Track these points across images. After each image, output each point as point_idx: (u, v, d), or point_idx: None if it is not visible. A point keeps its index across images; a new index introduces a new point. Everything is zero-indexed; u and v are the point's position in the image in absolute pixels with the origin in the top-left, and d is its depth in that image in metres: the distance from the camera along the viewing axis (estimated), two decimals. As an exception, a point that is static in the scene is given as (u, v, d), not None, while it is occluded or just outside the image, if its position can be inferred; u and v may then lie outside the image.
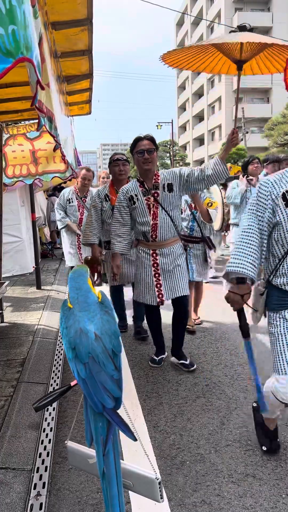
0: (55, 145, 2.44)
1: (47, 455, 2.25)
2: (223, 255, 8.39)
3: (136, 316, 4.33)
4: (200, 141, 49.53)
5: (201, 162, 47.62)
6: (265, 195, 2.04)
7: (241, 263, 2.02)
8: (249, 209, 2.13)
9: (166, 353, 3.57)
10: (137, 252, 3.40)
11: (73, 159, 4.39)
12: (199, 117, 49.66)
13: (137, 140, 3.22)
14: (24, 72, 2.94)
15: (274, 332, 2.05)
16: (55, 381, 3.18)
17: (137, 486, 1.26)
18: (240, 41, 2.78)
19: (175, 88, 58.74)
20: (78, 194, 5.14)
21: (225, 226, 6.61)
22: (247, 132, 33.57)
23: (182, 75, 54.69)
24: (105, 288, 4.34)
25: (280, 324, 2.03)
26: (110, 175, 4.23)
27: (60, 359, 3.57)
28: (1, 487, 1.96)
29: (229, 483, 2.06)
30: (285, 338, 2.00)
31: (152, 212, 3.19)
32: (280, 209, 1.98)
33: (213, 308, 4.83)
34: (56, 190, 10.31)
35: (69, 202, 5.15)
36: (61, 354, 3.67)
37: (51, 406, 2.70)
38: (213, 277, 6.24)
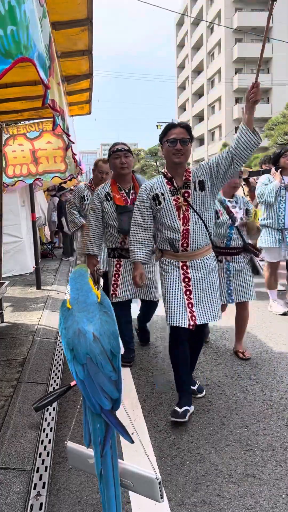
0: (67, 144, 2.45)
1: (47, 455, 2.25)
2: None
3: (143, 315, 3.91)
4: (200, 141, 49.52)
5: (201, 162, 47.53)
6: None
7: None
8: None
9: (192, 405, 2.74)
10: (162, 266, 2.78)
11: (78, 159, 4.40)
12: (199, 117, 49.66)
13: (170, 127, 2.64)
14: (24, 72, 2.96)
15: None
16: (55, 381, 3.18)
17: (137, 486, 1.26)
18: None
19: (175, 88, 58.76)
20: (94, 190, 4.73)
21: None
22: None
23: (182, 75, 54.70)
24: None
25: None
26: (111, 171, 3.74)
27: (60, 359, 3.57)
28: (1, 487, 1.96)
29: (229, 483, 2.06)
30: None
31: (182, 215, 2.63)
32: None
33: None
34: (60, 190, 10.30)
35: (84, 200, 4.50)
36: (61, 354, 3.67)
37: (51, 406, 2.70)
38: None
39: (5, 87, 3.34)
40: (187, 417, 2.59)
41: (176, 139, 2.59)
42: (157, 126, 37.60)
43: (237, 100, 40.87)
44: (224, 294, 3.45)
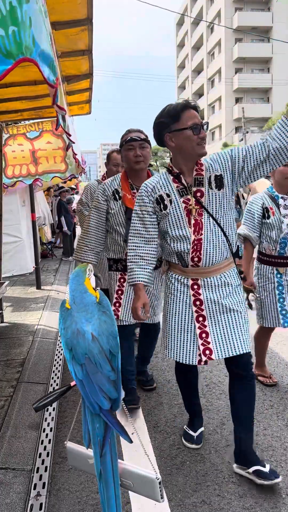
0: (68, 144, 2.44)
1: (47, 455, 2.25)
2: None
3: (142, 356, 3.20)
4: (200, 141, 49.47)
5: (201, 162, 47.49)
6: None
7: None
8: None
9: (203, 426, 2.53)
10: (167, 283, 2.25)
11: (80, 158, 4.40)
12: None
13: (182, 108, 2.04)
14: (24, 72, 2.96)
15: None
16: (55, 381, 3.18)
17: (137, 486, 1.26)
18: None
19: (175, 88, 58.77)
20: None
21: None
22: (247, 132, 33.57)
23: (182, 75, 54.71)
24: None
25: None
26: (122, 165, 3.26)
27: (60, 359, 3.57)
28: (1, 487, 1.96)
29: (229, 483, 2.06)
30: None
31: (193, 221, 2.05)
32: None
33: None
34: (64, 191, 10.30)
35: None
36: (61, 354, 3.67)
37: (51, 406, 2.70)
38: None
39: (5, 87, 3.34)
40: (202, 440, 2.42)
41: (200, 124, 2.00)
42: (157, 126, 37.53)
43: (237, 100, 40.91)
44: (274, 316, 2.86)
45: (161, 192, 2.11)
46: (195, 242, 2.06)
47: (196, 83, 48.40)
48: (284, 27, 37.31)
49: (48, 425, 2.55)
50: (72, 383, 1.36)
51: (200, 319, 2.11)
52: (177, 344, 2.16)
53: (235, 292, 2.13)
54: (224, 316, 2.10)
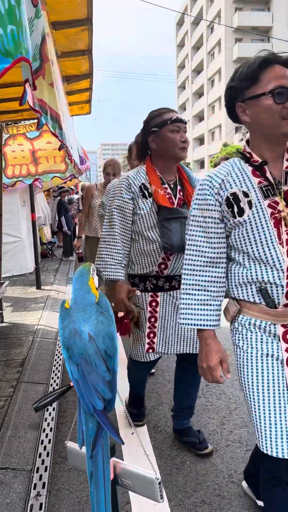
0: (60, 145, 2.44)
1: (47, 455, 2.25)
2: None
3: (185, 405, 2.43)
4: (200, 140, 49.54)
5: (201, 162, 47.64)
6: None
7: None
8: None
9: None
10: (237, 334, 1.53)
11: (77, 159, 4.42)
12: (199, 117, 49.67)
13: (267, 62, 1.37)
14: (24, 72, 2.94)
15: None
16: (55, 381, 3.18)
17: (137, 486, 1.26)
18: None
19: (175, 88, 58.80)
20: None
21: None
22: (247, 132, 33.54)
23: (182, 75, 54.73)
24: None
25: None
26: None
27: (60, 359, 3.57)
28: (1, 487, 1.96)
29: (229, 483, 2.06)
30: None
31: (286, 236, 1.37)
32: None
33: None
34: (64, 192, 10.29)
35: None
36: (61, 354, 3.67)
37: (51, 406, 2.70)
38: None
39: (5, 87, 3.34)
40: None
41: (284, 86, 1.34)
42: (157, 126, 37.52)
43: (237, 100, 40.78)
44: None
45: (235, 189, 1.40)
46: None
47: (196, 83, 48.40)
48: (284, 27, 37.30)
49: (48, 425, 2.55)
50: (72, 383, 1.36)
51: None
52: (272, 435, 1.36)
53: None
54: None
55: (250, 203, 1.39)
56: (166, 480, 2.08)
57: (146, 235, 2.16)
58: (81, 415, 1.22)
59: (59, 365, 3.46)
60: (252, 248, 1.40)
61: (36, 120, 5.31)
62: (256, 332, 1.44)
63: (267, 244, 1.37)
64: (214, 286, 1.48)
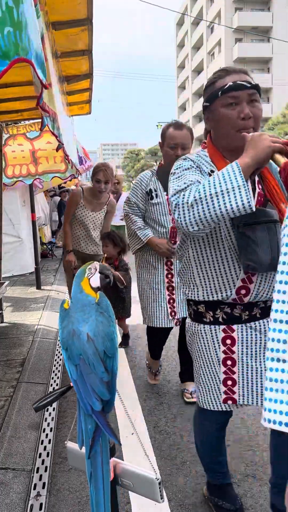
0: (58, 145, 2.44)
1: (47, 455, 2.25)
2: None
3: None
4: (200, 141, 49.49)
5: (201, 162, 47.46)
6: None
7: None
8: None
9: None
10: None
11: (76, 159, 4.40)
12: (199, 117, 49.64)
13: None
14: (24, 72, 2.96)
15: None
16: (55, 381, 3.18)
17: (137, 486, 1.26)
18: None
19: (175, 88, 58.78)
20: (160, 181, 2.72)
21: None
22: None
23: (182, 75, 54.72)
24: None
25: None
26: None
27: (60, 359, 3.57)
28: (1, 487, 1.96)
29: (229, 483, 2.05)
30: None
31: None
32: None
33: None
34: (65, 192, 10.28)
35: (152, 197, 2.71)
36: (61, 354, 3.67)
37: (51, 406, 2.70)
38: None
39: (5, 87, 3.35)
40: None
41: None
42: (157, 126, 37.66)
43: (237, 100, 40.81)
44: None
45: None
46: None
47: (196, 83, 48.39)
48: (284, 27, 37.31)
49: (48, 425, 2.55)
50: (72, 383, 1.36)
51: None
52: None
53: None
54: None
55: None
56: (166, 480, 2.08)
57: (222, 246, 1.57)
58: (81, 415, 1.22)
59: (59, 365, 3.46)
60: None
61: (36, 120, 5.30)
62: None
63: None
64: None
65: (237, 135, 1.50)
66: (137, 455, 2.21)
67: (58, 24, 2.61)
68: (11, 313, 4.96)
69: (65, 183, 8.70)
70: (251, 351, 1.65)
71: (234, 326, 1.63)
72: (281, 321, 0.76)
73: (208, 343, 1.68)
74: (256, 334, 1.64)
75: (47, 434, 2.45)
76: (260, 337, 1.64)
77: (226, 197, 1.33)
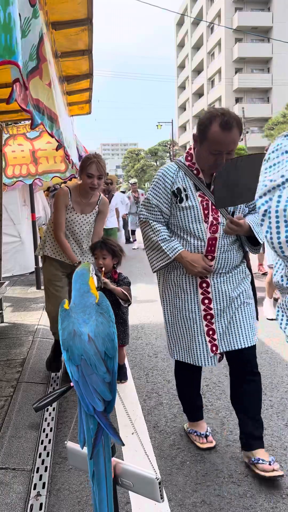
0: (57, 145, 2.43)
1: (47, 455, 2.25)
2: None
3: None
4: (200, 141, 49.46)
5: (201, 162, 47.47)
6: None
7: None
8: None
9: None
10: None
11: (76, 159, 4.38)
12: (199, 117, 49.58)
13: None
14: (24, 72, 2.94)
15: None
16: (55, 381, 3.18)
17: (137, 486, 1.26)
18: None
19: (175, 88, 58.79)
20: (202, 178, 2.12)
21: None
22: (247, 132, 33.58)
23: (182, 75, 54.72)
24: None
25: None
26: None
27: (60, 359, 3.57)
28: (1, 487, 1.96)
29: (229, 483, 2.06)
30: None
31: None
32: None
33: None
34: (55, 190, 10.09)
35: (181, 199, 2.10)
36: (60, 354, 3.67)
37: (51, 406, 2.70)
38: None
39: (4, 87, 3.34)
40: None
41: None
42: (157, 126, 37.69)
43: (237, 100, 40.92)
44: None
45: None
46: None
47: (196, 83, 48.40)
48: (284, 27, 37.33)
49: (48, 425, 2.55)
50: (72, 383, 1.36)
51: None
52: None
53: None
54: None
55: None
56: (166, 480, 2.08)
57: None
58: (82, 415, 1.22)
59: (59, 365, 3.46)
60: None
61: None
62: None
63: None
64: None
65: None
66: (137, 455, 2.22)
67: (58, 24, 2.61)
68: (11, 313, 4.97)
69: (65, 182, 8.69)
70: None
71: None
72: None
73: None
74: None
75: (47, 434, 2.45)
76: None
77: None
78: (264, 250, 5.11)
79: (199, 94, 49.20)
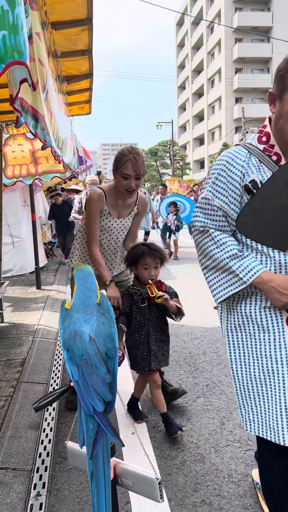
0: (42, 145, 2.40)
1: (47, 455, 2.25)
2: None
3: None
4: (200, 141, 49.54)
5: (201, 162, 47.62)
6: None
7: None
8: None
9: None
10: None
11: (72, 159, 4.37)
12: (199, 117, 49.68)
13: None
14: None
15: None
16: (55, 381, 3.18)
17: (137, 486, 1.26)
18: None
19: (175, 88, 58.80)
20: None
21: None
22: (247, 132, 33.59)
23: (182, 75, 54.72)
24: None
25: None
26: None
27: (60, 359, 3.57)
28: (1, 487, 1.96)
29: (229, 483, 2.06)
30: None
31: None
32: None
33: (213, 309, 4.83)
34: (52, 191, 9.83)
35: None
36: (61, 354, 3.67)
37: (51, 406, 2.70)
38: None
39: (5, 87, 3.34)
40: None
41: None
42: (157, 126, 37.67)
43: (237, 100, 40.94)
44: None
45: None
46: None
47: (196, 83, 48.40)
48: (284, 27, 37.34)
49: (48, 425, 2.55)
50: (72, 383, 1.36)
51: None
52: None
53: None
54: None
55: None
56: (166, 480, 2.08)
57: None
58: (82, 415, 1.22)
59: (59, 365, 3.46)
60: None
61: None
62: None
63: None
64: None
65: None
66: (137, 455, 2.22)
67: (58, 24, 2.61)
68: (11, 313, 4.96)
69: (64, 182, 8.69)
70: None
71: None
72: None
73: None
74: None
75: (47, 434, 2.45)
76: None
77: None
78: None
79: (199, 94, 49.20)
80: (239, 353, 1.55)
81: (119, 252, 2.81)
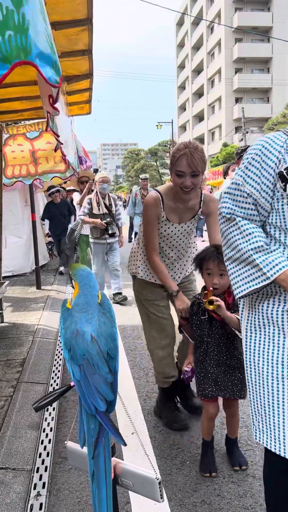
0: (56, 145, 2.42)
1: (47, 455, 2.25)
2: None
3: None
4: (200, 140, 49.52)
5: (201, 162, 47.51)
6: None
7: None
8: None
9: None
10: None
11: (74, 159, 4.38)
12: (199, 117, 49.68)
13: None
14: (25, 72, 2.96)
15: None
16: (55, 381, 3.18)
17: (137, 486, 1.26)
18: None
19: (175, 88, 58.80)
20: None
21: None
22: (247, 132, 33.59)
23: (182, 75, 54.73)
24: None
25: None
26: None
27: (60, 359, 3.57)
28: (1, 487, 1.96)
29: (229, 483, 2.06)
30: None
31: None
32: None
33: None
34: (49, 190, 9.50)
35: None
36: (61, 354, 3.67)
37: (51, 406, 2.70)
38: None
39: (5, 87, 3.35)
40: None
41: None
42: (157, 126, 37.66)
43: (237, 100, 40.93)
44: None
45: None
46: None
47: (196, 83, 48.40)
48: (284, 27, 37.33)
49: (48, 425, 2.55)
50: (72, 383, 1.37)
51: None
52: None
53: None
54: None
55: None
56: (166, 480, 2.08)
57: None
58: (83, 415, 1.22)
59: (59, 365, 3.46)
60: None
61: (36, 121, 5.29)
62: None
63: None
64: None
65: None
66: (137, 455, 2.22)
67: (58, 24, 2.61)
68: (11, 313, 4.96)
69: (65, 183, 8.69)
70: None
71: None
72: None
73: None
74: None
75: (47, 434, 2.45)
76: None
77: None
78: None
79: (199, 94, 49.20)
80: (257, 358, 1.44)
81: (183, 259, 2.56)
